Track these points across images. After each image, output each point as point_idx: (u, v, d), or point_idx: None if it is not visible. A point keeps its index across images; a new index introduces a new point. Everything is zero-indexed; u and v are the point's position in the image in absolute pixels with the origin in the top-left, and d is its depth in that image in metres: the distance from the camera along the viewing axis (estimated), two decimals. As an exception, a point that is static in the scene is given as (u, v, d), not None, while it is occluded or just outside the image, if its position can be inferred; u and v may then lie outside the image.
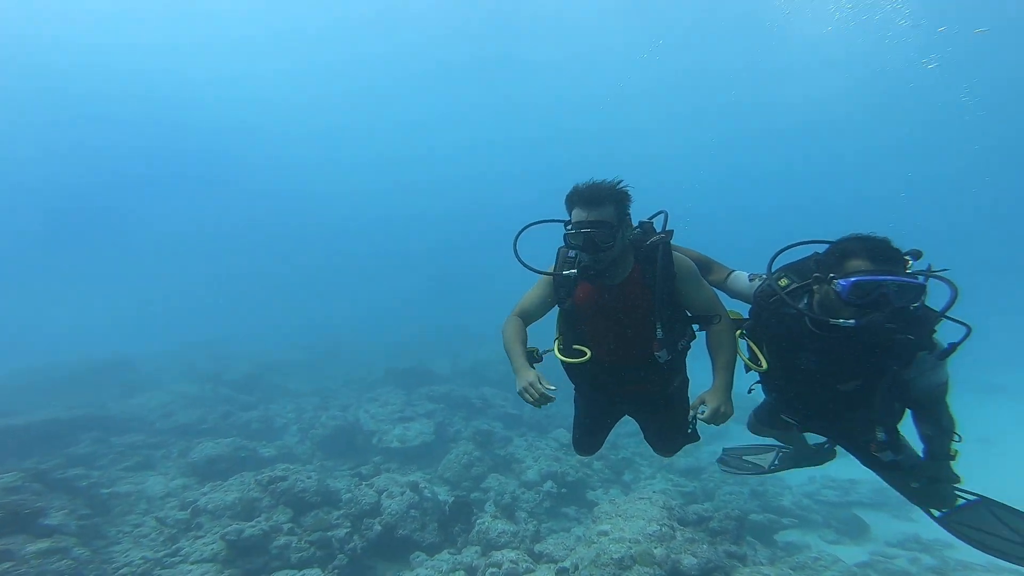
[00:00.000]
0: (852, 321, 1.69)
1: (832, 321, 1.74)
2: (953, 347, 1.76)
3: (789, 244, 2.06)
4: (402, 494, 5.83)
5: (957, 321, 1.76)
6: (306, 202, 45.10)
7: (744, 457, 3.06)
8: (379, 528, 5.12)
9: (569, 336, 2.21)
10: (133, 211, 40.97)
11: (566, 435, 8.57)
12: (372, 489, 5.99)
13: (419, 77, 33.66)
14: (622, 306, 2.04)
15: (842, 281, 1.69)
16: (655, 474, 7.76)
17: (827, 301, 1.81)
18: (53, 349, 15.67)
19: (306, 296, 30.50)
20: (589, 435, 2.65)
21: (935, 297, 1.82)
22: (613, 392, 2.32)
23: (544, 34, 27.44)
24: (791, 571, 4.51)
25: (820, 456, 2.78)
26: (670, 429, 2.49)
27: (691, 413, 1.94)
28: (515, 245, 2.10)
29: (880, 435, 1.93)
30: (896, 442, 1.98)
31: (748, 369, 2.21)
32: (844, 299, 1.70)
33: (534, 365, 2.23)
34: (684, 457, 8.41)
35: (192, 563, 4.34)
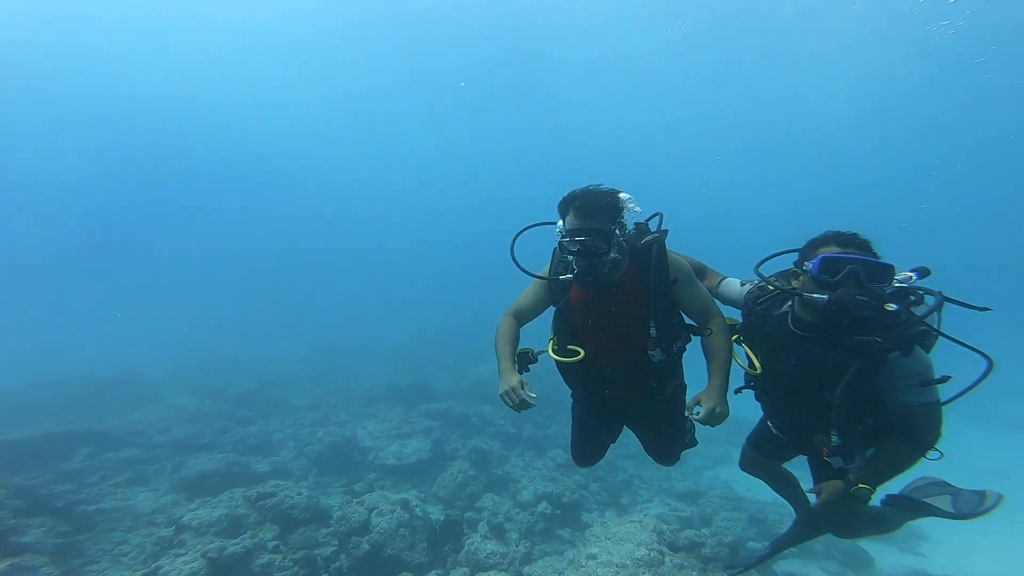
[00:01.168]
0: (825, 296, 1.68)
1: (807, 295, 1.74)
2: (945, 378, 1.66)
3: (776, 252, 2.05)
4: (392, 512, 5.60)
5: (976, 351, 1.63)
6: (324, 218, 45.40)
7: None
8: (367, 547, 4.89)
9: (564, 336, 2.18)
10: (159, 227, 41.74)
11: (564, 455, 8.28)
12: (363, 507, 5.79)
13: (433, 96, 33.50)
14: (616, 305, 2.01)
15: (813, 261, 1.74)
16: (653, 498, 7.45)
17: (805, 290, 1.80)
18: (75, 360, 15.67)
19: (316, 309, 30.35)
20: (587, 444, 2.54)
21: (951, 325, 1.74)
22: (608, 395, 2.25)
23: (557, 37, 26.96)
24: None
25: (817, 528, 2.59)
26: (667, 436, 2.42)
27: (687, 415, 1.90)
28: (512, 249, 2.12)
29: (834, 439, 1.81)
30: (850, 451, 1.87)
31: (748, 378, 2.15)
32: (816, 278, 1.72)
33: (529, 366, 2.24)
34: (683, 481, 8.10)
35: (170, 582, 4.12)
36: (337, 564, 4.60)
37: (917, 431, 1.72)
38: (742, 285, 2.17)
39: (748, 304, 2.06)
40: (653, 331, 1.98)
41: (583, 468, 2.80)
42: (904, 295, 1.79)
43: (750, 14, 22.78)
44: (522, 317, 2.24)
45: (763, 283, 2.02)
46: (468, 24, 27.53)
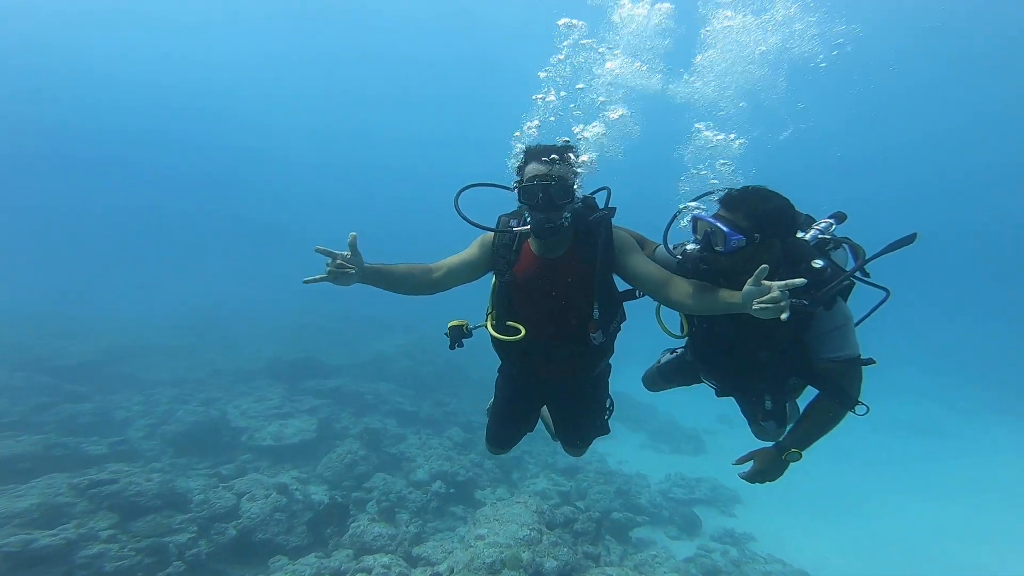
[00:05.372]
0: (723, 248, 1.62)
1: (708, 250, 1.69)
2: (869, 361, 1.63)
3: (674, 216, 1.97)
4: (267, 496, 5.01)
5: (875, 285, 1.69)
6: (200, 174, 38.22)
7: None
8: (233, 532, 4.28)
9: (503, 312, 1.98)
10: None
11: (462, 434, 8.21)
12: (231, 492, 5.11)
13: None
14: (561, 282, 1.87)
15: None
16: (539, 473, 7.77)
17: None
18: None
19: (184, 271, 25.23)
20: (507, 425, 2.36)
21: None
22: (541, 374, 2.09)
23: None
24: (631, 570, 4.79)
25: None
26: (587, 417, 2.28)
27: (737, 465, 1.81)
28: (456, 201, 1.88)
29: (767, 403, 1.84)
30: (782, 414, 1.89)
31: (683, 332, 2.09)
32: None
33: (463, 341, 2.05)
34: (566, 457, 8.56)
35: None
36: (195, 551, 3.92)
37: (843, 387, 1.68)
38: (674, 248, 2.01)
39: (686, 266, 1.87)
40: (596, 313, 1.85)
41: (497, 454, 2.60)
42: (823, 245, 1.75)
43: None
44: (439, 272, 1.91)
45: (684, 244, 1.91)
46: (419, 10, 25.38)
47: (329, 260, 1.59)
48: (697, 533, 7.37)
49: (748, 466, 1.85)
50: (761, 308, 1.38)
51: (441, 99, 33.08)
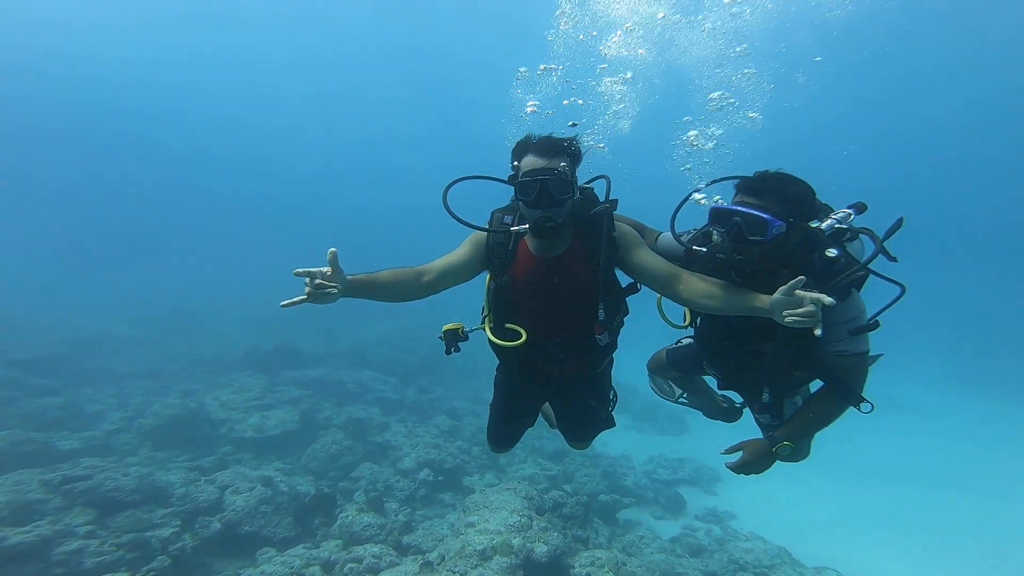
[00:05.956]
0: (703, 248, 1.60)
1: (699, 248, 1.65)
2: (875, 324, 1.59)
3: (683, 200, 1.94)
4: (251, 489, 4.97)
5: (889, 280, 1.62)
6: (166, 156, 36.52)
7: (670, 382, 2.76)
8: (218, 526, 4.25)
9: (501, 314, 1.89)
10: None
11: (448, 421, 8.25)
12: (213, 485, 5.07)
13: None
14: (564, 282, 1.78)
15: (712, 207, 1.68)
16: (527, 458, 7.86)
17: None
18: None
19: (154, 260, 24.32)
20: (507, 424, 2.33)
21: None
22: (543, 375, 2.04)
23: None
24: (619, 552, 4.88)
25: (727, 415, 2.57)
26: (591, 413, 2.23)
27: (723, 453, 1.76)
28: (445, 197, 1.76)
29: (765, 396, 1.80)
30: (779, 408, 1.86)
31: (687, 323, 2.09)
32: (709, 224, 1.68)
33: (459, 344, 1.97)
34: (552, 441, 8.67)
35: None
36: (179, 545, 3.88)
37: (847, 381, 1.63)
38: (678, 236, 1.91)
39: (697, 255, 1.77)
40: (601, 313, 1.76)
41: (500, 453, 2.56)
42: (839, 235, 1.66)
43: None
44: (429, 275, 1.76)
45: (697, 232, 1.87)
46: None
47: (307, 280, 1.41)
48: (681, 513, 7.59)
49: (736, 456, 1.80)
50: (793, 321, 1.37)
51: (428, 85, 32.24)
